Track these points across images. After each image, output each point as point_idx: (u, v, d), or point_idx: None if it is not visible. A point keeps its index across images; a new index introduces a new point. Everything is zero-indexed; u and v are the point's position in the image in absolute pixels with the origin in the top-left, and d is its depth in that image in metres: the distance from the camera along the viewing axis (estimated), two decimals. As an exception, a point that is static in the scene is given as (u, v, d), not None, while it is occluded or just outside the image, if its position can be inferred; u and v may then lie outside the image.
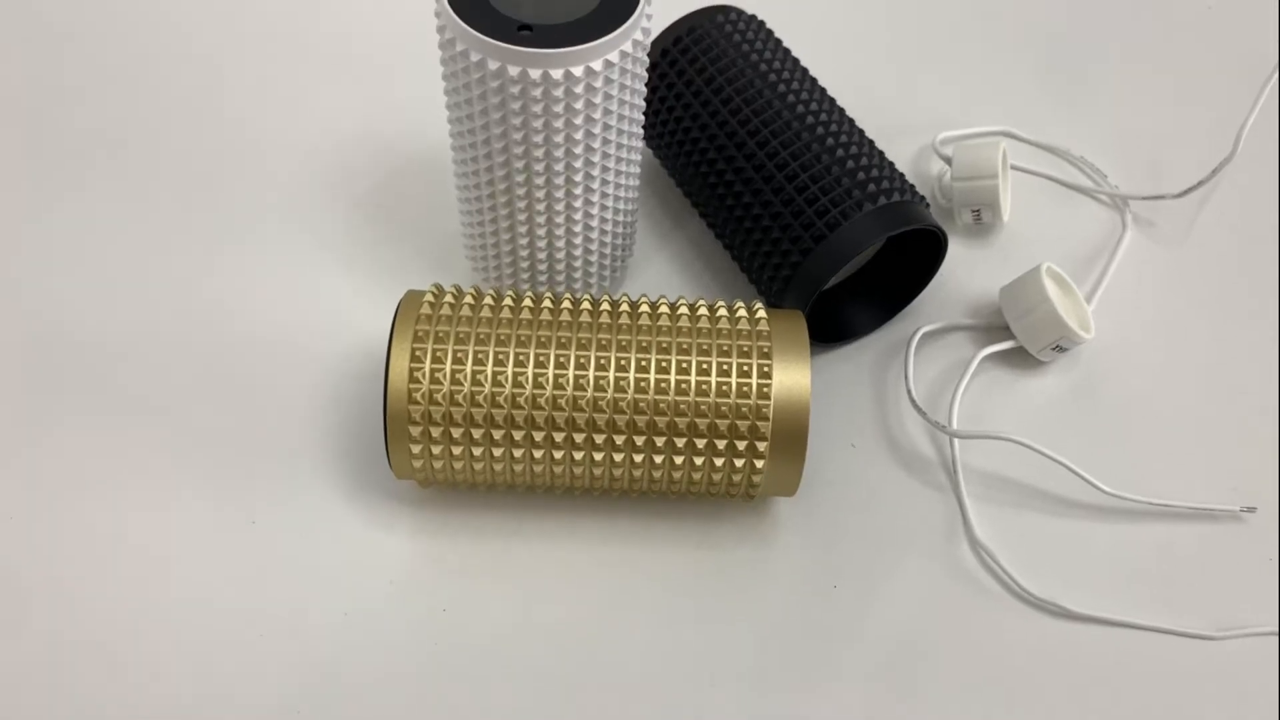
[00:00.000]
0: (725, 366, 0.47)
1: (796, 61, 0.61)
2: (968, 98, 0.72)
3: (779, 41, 0.61)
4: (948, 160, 0.65)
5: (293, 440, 0.54)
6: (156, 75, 0.71)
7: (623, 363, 0.47)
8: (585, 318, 0.49)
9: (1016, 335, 0.58)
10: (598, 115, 0.48)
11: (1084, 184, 0.67)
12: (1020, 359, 0.59)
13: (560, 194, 0.51)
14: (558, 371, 0.47)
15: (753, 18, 0.61)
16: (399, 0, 0.71)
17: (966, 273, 0.63)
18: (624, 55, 0.47)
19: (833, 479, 0.54)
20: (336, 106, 0.70)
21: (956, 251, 0.63)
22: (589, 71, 0.46)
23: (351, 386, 0.56)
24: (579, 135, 0.48)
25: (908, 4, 0.79)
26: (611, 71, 0.47)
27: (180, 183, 0.65)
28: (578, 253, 0.55)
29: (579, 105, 0.47)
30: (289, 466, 0.53)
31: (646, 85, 0.51)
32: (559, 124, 0.48)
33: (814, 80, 0.60)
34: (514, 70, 0.45)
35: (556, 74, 0.45)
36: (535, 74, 0.45)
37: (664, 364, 0.47)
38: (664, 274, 0.62)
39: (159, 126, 0.68)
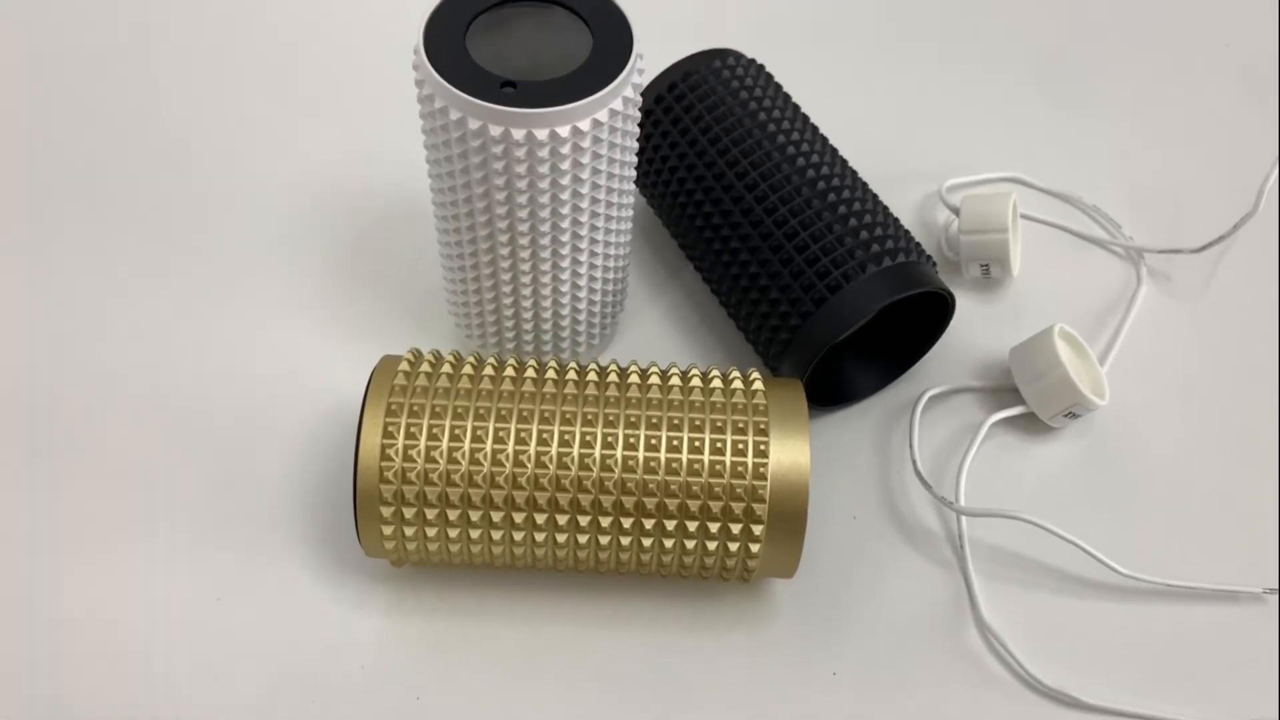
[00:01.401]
0: (719, 444, 0.45)
1: (797, 109, 0.58)
2: (975, 142, 0.69)
3: (779, 87, 0.59)
4: (955, 210, 0.62)
5: (262, 509, 0.51)
6: (130, 117, 0.69)
7: (610, 439, 0.45)
8: (570, 388, 0.46)
9: (1027, 400, 0.55)
10: (585, 175, 0.45)
11: (1097, 235, 0.64)
12: (1030, 423, 0.56)
13: (547, 255, 0.48)
14: (540, 448, 0.44)
15: (751, 62, 0.58)
16: (381, 40, 0.68)
17: (974, 329, 0.60)
18: (614, 114, 0.44)
19: (833, 554, 0.51)
20: (315, 151, 0.67)
21: (964, 306, 0.60)
22: (576, 131, 0.43)
23: (325, 451, 0.53)
24: (566, 196, 0.46)
25: (913, 45, 0.76)
26: (600, 131, 0.44)
27: (150, 230, 0.62)
28: (565, 312, 0.52)
29: (565, 165, 0.44)
30: (258, 537, 0.50)
31: (639, 133, 0.49)
32: (545, 184, 0.45)
33: (815, 129, 0.57)
34: (496, 130, 0.42)
35: (541, 134, 0.43)
36: (519, 134, 0.43)
37: (654, 440, 0.45)
38: (657, 329, 0.59)
39: (130, 170, 0.65)
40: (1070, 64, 0.75)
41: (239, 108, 0.69)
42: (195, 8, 0.75)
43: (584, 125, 0.43)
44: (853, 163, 0.60)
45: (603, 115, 0.44)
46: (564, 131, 0.43)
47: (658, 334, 0.59)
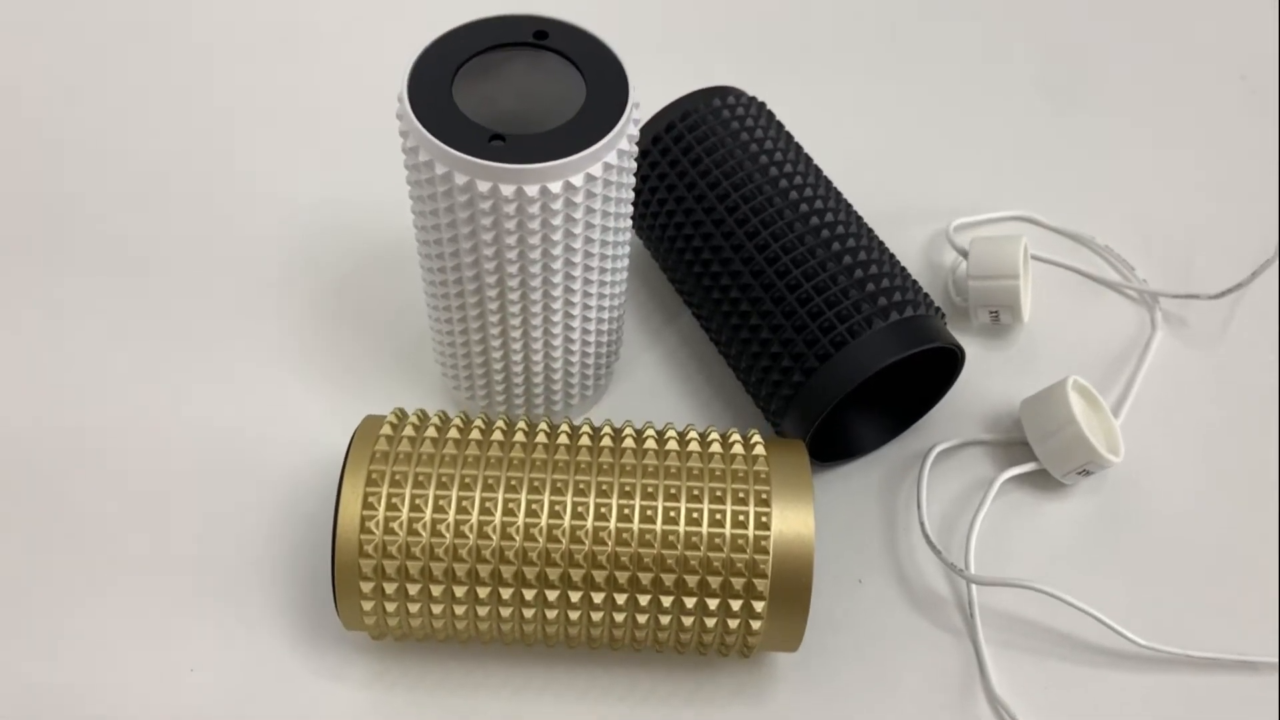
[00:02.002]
0: (719, 515, 0.42)
1: (800, 149, 0.55)
2: (983, 179, 0.67)
3: (781, 126, 0.56)
4: (963, 252, 0.59)
5: (238, 574, 0.49)
6: (107, 156, 0.66)
7: (603, 510, 0.42)
8: (562, 454, 0.44)
9: (1039, 456, 0.53)
10: (579, 230, 0.43)
11: (1110, 277, 0.62)
12: (1042, 480, 0.54)
13: (538, 310, 0.46)
14: (529, 520, 0.42)
15: (752, 100, 0.56)
16: (367, 78, 0.65)
17: (983, 378, 0.57)
18: (608, 167, 0.42)
19: (837, 621, 0.49)
20: (297, 191, 0.64)
21: (972, 353, 0.58)
22: (569, 187, 0.41)
23: (306, 511, 0.51)
24: (558, 251, 0.43)
25: (918, 78, 0.74)
26: (594, 185, 0.42)
27: (122, 275, 0.60)
28: (557, 366, 0.50)
29: (558, 221, 0.42)
30: (233, 604, 0.48)
31: (636, 175, 0.46)
32: (535, 240, 0.42)
33: (819, 171, 0.55)
34: (484, 186, 0.40)
35: (532, 190, 0.40)
36: (508, 190, 0.40)
37: (649, 511, 0.42)
38: (653, 378, 0.57)
39: (103, 211, 0.63)
40: (1081, 98, 0.73)
41: (219, 147, 0.67)
42: (176, 47, 0.72)
43: (577, 180, 0.41)
44: (857, 202, 0.58)
45: (596, 170, 0.41)
46: (555, 187, 0.40)
47: (654, 383, 0.57)
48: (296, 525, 0.50)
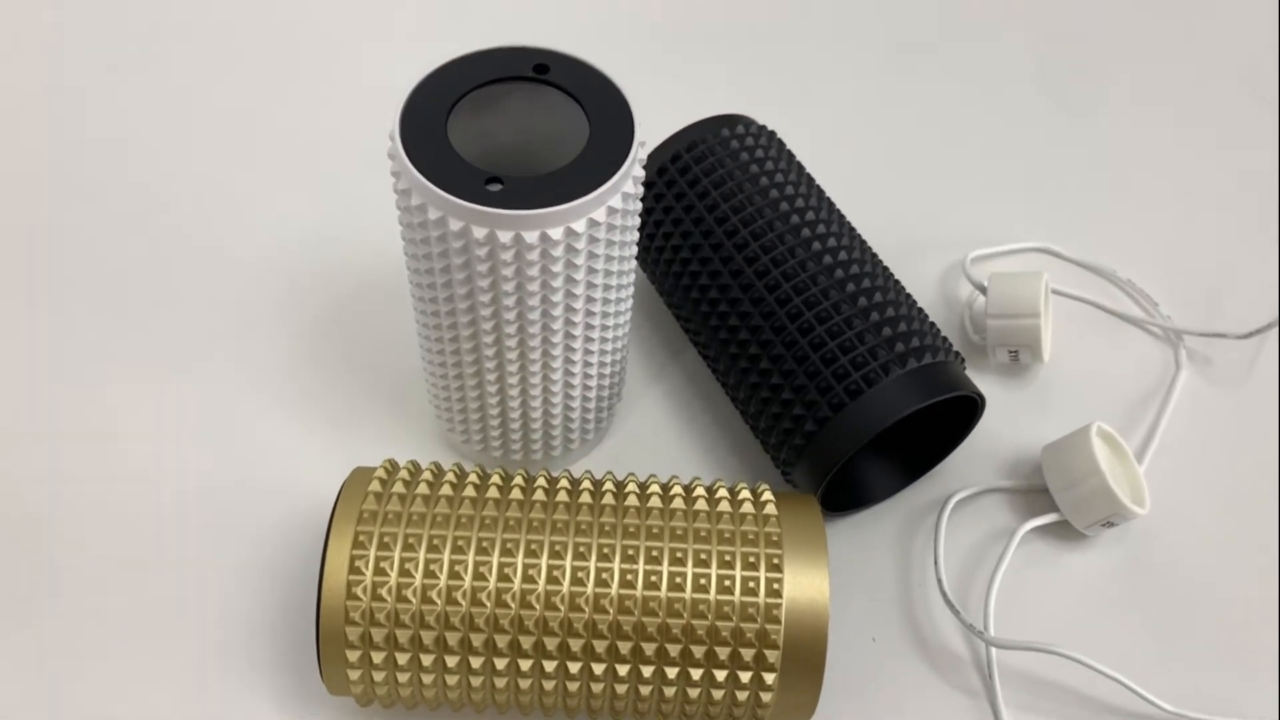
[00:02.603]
0: (727, 581, 0.40)
1: (812, 181, 0.53)
2: (1001, 208, 0.65)
3: (792, 157, 0.54)
4: (980, 287, 0.57)
5: (218, 632, 0.46)
6: (92, 185, 0.63)
7: (604, 575, 0.40)
8: (561, 512, 0.41)
9: (1060, 506, 0.51)
10: (580, 276, 0.41)
11: (1133, 313, 0.60)
12: (1063, 530, 0.51)
13: (536, 355, 0.44)
14: (525, 586, 0.39)
15: (762, 129, 0.54)
16: (360, 106, 0.62)
17: (1001, 420, 0.55)
18: (612, 212, 0.39)
19: (851, 681, 0.47)
20: (287, 222, 0.61)
21: (991, 393, 0.55)
22: (570, 233, 0.38)
23: (291, 565, 0.48)
24: (558, 298, 0.41)
25: (936, 108, 0.71)
26: (597, 230, 0.39)
27: (100, 299, 0.57)
28: (556, 411, 0.48)
29: (558, 268, 0.39)
30: (213, 664, 0.46)
31: (641, 206, 0.44)
32: (534, 287, 0.40)
33: (831, 205, 0.52)
34: (480, 232, 0.38)
35: (531, 237, 0.38)
36: (505, 237, 0.38)
37: (653, 577, 0.40)
38: (657, 419, 0.55)
39: (87, 239, 0.60)
40: (1102, 123, 0.70)
41: (206, 176, 0.64)
42: (164, 74, 0.69)
43: (579, 226, 0.38)
44: (870, 233, 0.55)
45: (600, 215, 0.39)
46: (556, 234, 0.38)
47: (657, 425, 0.54)
48: (280, 581, 0.48)
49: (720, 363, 0.51)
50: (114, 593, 0.47)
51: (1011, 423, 0.55)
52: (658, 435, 0.54)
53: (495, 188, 0.38)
